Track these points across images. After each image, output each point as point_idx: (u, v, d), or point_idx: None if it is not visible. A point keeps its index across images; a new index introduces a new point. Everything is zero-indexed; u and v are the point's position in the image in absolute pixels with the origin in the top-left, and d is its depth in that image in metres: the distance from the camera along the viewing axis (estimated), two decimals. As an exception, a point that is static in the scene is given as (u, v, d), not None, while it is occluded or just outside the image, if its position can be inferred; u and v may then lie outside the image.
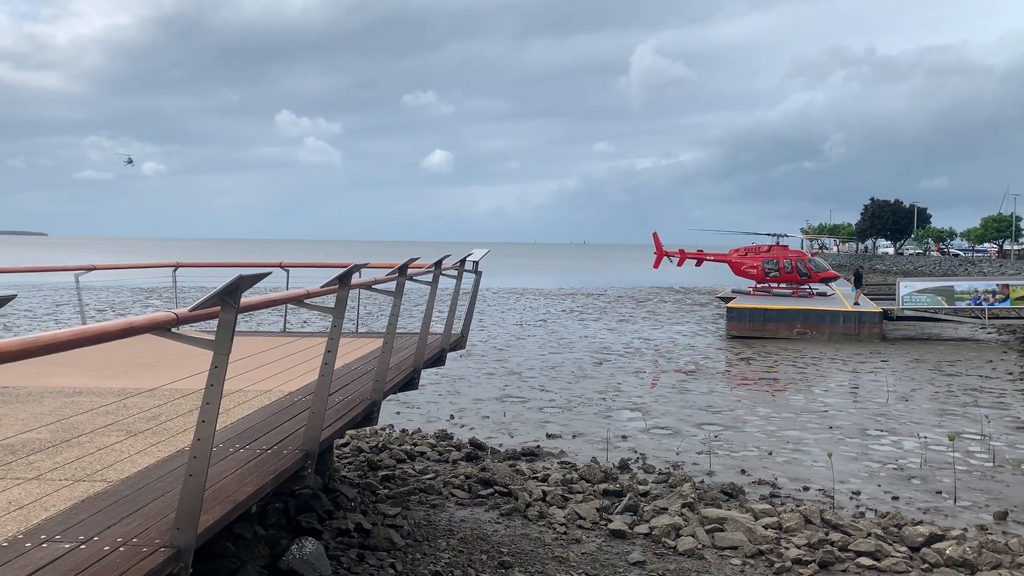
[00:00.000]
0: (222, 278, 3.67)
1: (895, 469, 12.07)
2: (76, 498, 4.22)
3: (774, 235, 40.93)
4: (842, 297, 35.58)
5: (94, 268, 9.62)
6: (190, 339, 3.68)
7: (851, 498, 10.56)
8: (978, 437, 14.13)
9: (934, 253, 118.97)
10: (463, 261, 9.54)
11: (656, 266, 43.36)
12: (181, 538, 3.62)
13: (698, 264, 43.06)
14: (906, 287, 30.94)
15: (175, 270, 11.14)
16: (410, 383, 8.23)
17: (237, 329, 3.89)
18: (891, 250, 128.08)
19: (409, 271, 7.07)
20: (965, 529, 9.19)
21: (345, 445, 11.78)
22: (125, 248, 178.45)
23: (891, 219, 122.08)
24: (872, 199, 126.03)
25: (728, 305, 31.49)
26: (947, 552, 8.04)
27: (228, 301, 3.61)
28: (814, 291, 36.42)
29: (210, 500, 4.12)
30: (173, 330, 3.54)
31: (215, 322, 3.67)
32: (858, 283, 33.43)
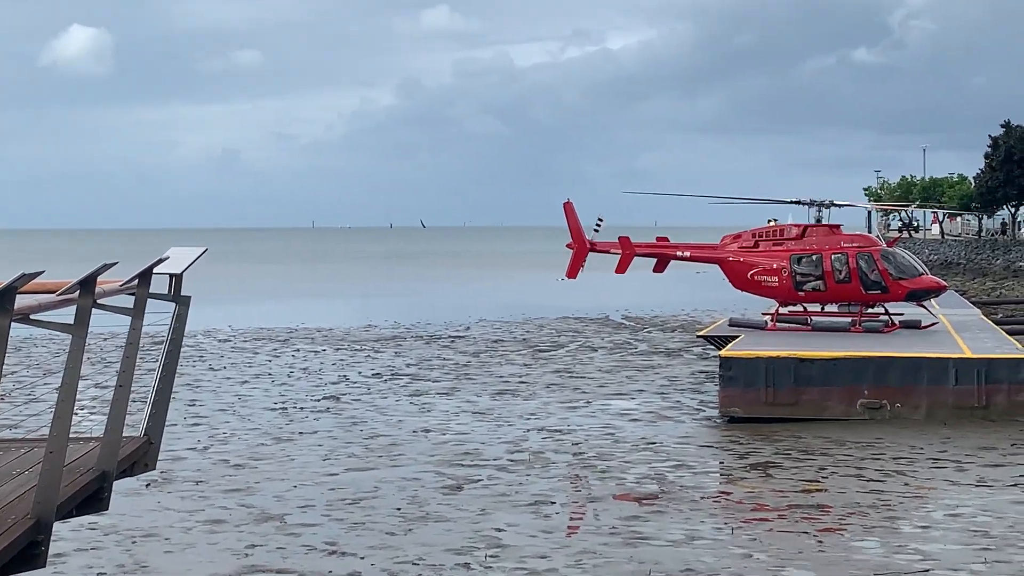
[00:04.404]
0: None
1: None
2: None
3: (811, 203, 32.39)
4: (951, 330, 27.14)
5: None
6: None
7: None
8: None
9: None
10: (145, 275, 7.01)
11: (572, 274, 31.54)
12: None
13: (659, 267, 33.33)
14: None
15: None
16: (24, 557, 5.94)
17: None
18: None
19: (16, 307, 5.17)
20: None
21: None
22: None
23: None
24: (1006, 123, 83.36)
25: (722, 353, 23.66)
26: None
27: None
28: (895, 321, 28.31)
29: None
30: None
31: None
32: None
